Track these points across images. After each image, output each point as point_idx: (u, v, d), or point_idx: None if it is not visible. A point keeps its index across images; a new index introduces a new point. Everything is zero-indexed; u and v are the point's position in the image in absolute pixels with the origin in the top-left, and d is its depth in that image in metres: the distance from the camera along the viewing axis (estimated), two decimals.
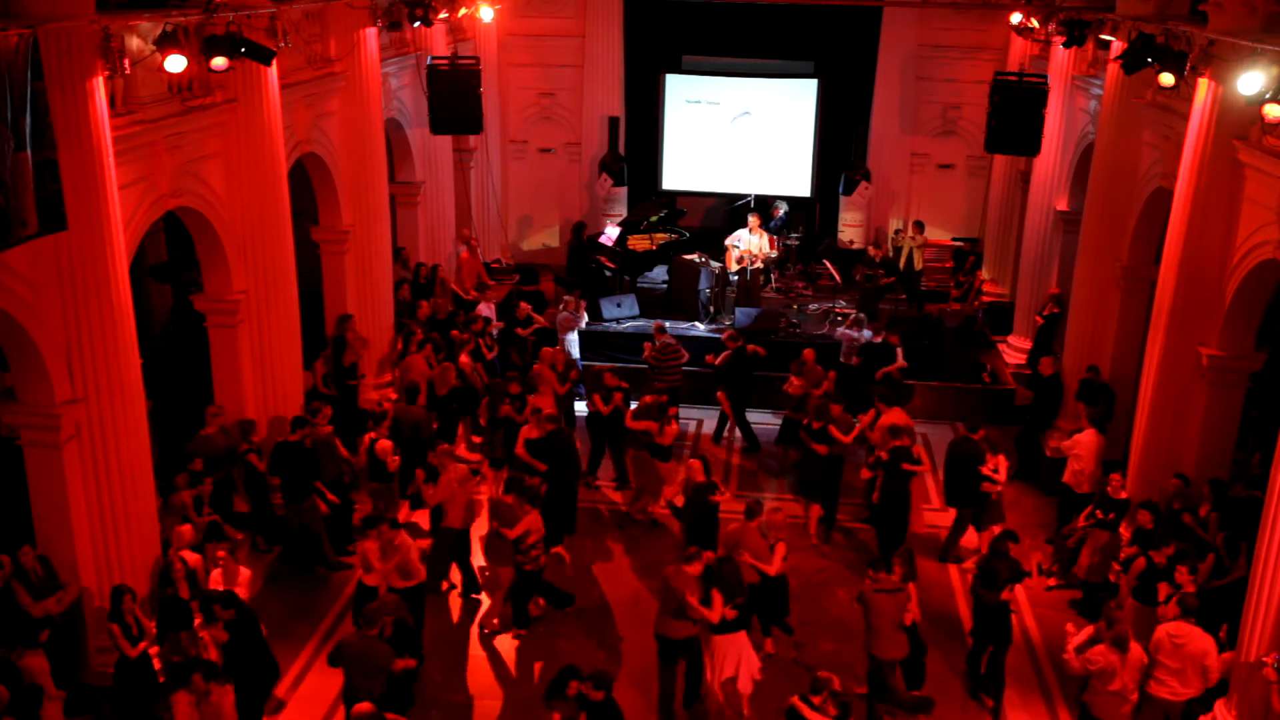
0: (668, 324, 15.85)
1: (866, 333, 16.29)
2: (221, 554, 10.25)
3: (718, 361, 15.15)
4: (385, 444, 12.62)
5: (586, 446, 14.30)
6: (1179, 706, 9.32)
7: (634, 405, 13.73)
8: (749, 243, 17.83)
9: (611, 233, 18.94)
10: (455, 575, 12.12)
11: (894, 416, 13.06)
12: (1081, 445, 12.58)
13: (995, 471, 12.29)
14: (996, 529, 11.33)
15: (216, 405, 12.18)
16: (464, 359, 14.96)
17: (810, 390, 14.20)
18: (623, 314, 17.95)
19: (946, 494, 12.97)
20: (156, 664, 9.77)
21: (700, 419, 16.22)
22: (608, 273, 18.86)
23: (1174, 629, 9.23)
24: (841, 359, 16.01)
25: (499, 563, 12.55)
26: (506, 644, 11.36)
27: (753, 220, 17.99)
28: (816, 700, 8.58)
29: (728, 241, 18.04)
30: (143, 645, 9.47)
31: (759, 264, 17.96)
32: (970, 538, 12.78)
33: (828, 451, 12.96)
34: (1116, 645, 9.16)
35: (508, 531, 11.11)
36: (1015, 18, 17.96)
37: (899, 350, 15.44)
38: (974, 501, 12.55)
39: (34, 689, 8.77)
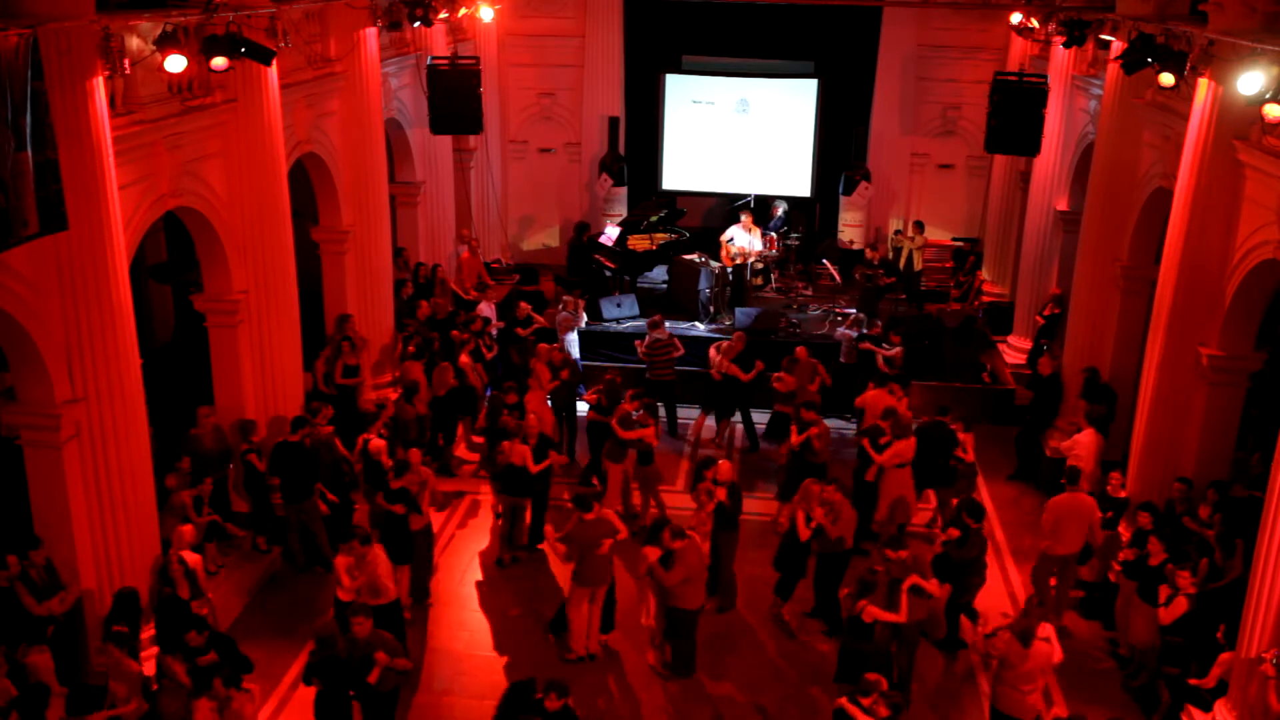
0: (667, 324, 15.79)
1: (865, 332, 16.28)
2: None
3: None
4: (378, 443, 12.58)
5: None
6: (1068, 560, 11.40)
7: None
8: (744, 240, 17.81)
9: (611, 233, 18.94)
10: (442, 587, 12.08)
11: (876, 397, 13.29)
12: (1081, 445, 12.59)
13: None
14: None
15: (209, 407, 12.18)
16: (464, 359, 14.96)
17: (805, 385, 14.35)
18: (623, 314, 17.94)
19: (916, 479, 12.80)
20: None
21: (698, 417, 16.17)
22: (608, 273, 18.86)
23: (1069, 498, 11.16)
24: (842, 359, 16.02)
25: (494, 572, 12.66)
26: (504, 644, 11.34)
27: (745, 218, 17.96)
28: (866, 701, 8.56)
29: (723, 237, 18.06)
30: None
31: (754, 260, 17.92)
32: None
33: (816, 461, 12.86)
34: (1020, 638, 8.99)
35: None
36: (1015, 18, 17.97)
37: (897, 349, 15.39)
38: (943, 481, 12.79)
39: (40, 687, 8.75)
